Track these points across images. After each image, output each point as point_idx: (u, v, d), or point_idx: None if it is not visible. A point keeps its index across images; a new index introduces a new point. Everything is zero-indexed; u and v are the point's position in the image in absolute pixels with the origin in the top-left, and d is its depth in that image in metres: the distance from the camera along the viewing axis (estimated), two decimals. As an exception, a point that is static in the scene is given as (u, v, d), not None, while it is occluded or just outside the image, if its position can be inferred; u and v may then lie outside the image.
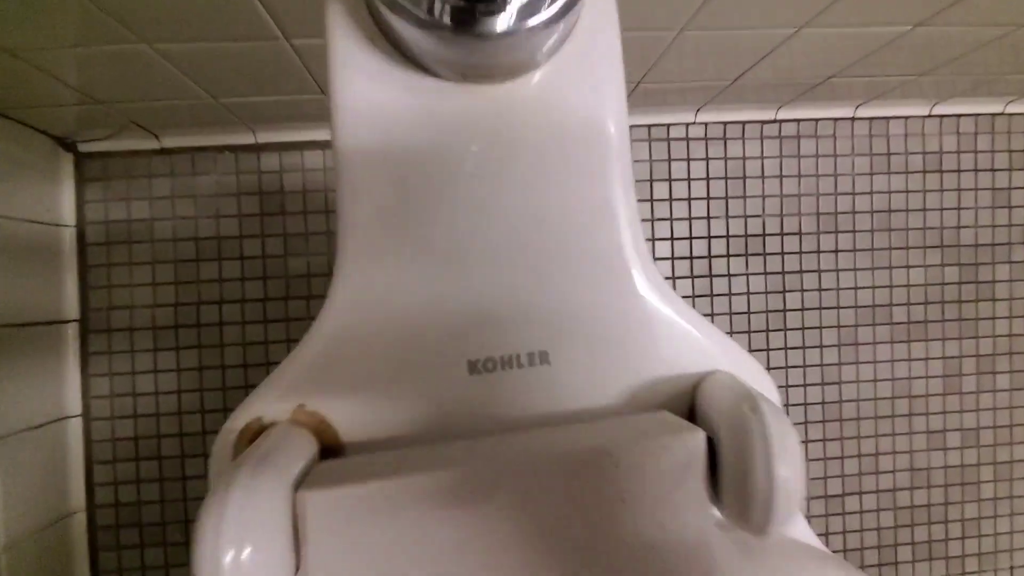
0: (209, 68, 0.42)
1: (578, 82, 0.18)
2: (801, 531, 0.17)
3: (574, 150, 0.17)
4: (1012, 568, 0.66)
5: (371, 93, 0.17)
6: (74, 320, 0.54)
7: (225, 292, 0.55)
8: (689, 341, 0.17)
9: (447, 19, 0.16)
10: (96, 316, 0.54)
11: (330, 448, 0.16)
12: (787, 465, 0.14)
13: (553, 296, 0.17)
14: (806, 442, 0.63)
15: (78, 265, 0.54)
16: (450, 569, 0.14)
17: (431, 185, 0.17)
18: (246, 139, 0.55)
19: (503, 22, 0.16)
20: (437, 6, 0.16)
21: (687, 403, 0.17)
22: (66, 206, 0.54)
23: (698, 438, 0.14)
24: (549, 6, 0.16)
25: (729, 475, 0.14)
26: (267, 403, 0.16)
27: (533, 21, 0.16)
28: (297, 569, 0.14)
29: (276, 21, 0.37)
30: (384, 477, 0.15)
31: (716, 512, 0.15)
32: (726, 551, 0.14)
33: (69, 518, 0.53)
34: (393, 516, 0.13)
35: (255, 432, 0.16)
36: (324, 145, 0.56)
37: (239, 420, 0.16)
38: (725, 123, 0.61)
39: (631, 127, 0.60)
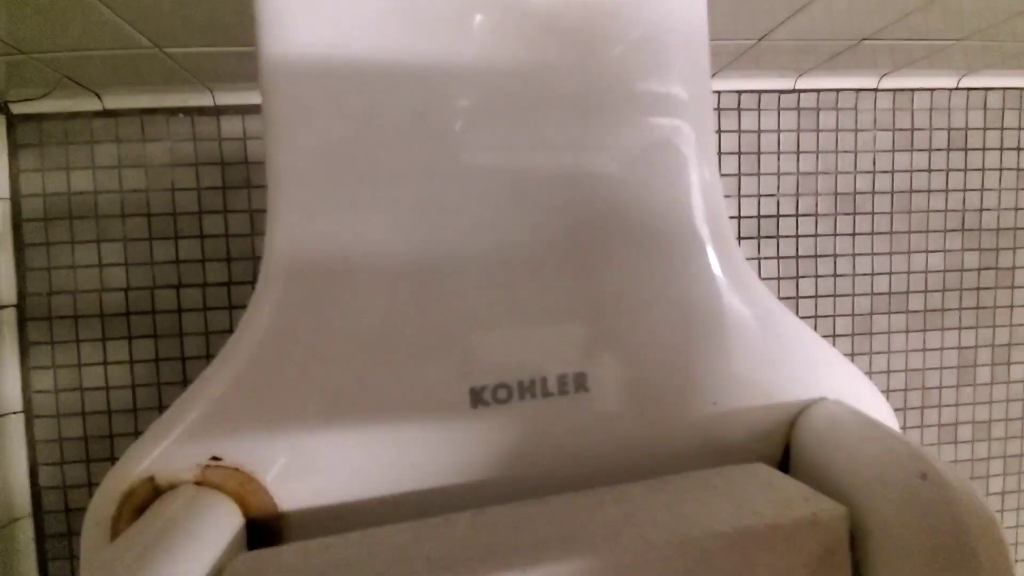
0: (147, 7, 0.35)
1: None
2: None
3: (637, 66, 0.12)
4: (1018, 562, 0.65)
5: None
6: (10, 306, 0.48)
7: (183, 275, 0.49)
8: (785, 350, 0.12)
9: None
10: (35, 301, 0.48)
11: (260, 522, 0.11)
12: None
13: (596, 287, 0.12)
14: (815, 436, 0.60)
15: (13, 243, 0.47)
16: None
17: (405, 112, 0.12)
18: (203, 100, 0.49)
19: None
20: None
21: (782, 441, 0.12)
22: (-4, 175, 0.47)
23: (838, 518, 0.10)
24: None
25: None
26: (165, 453, 0.11)
27: None
28: None
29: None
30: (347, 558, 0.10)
31: None
32: None
33: (13, 524, 0.47)
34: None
35: (144, 500, 0.11)
36: (294, 109, 0.50)
37: (121, 479, 0.11)
38: (740, 92, 0.56)
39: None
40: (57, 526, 0.49)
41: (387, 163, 0.13)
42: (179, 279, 0.49)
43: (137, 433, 0.49)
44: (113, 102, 0.48)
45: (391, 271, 0.13)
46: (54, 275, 0.48)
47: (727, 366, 0.12)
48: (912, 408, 0.61)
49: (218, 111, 0.49)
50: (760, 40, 0.45)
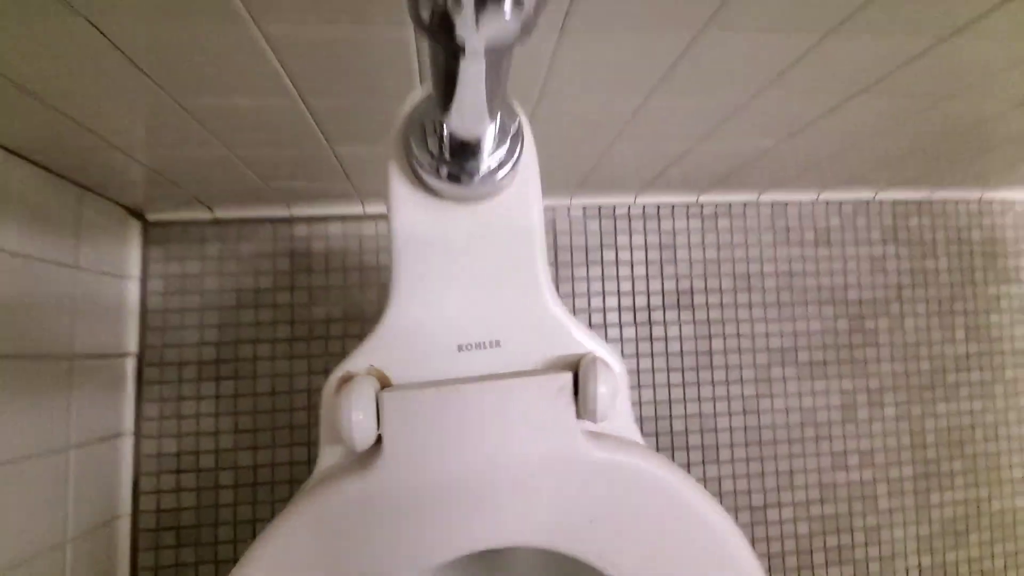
0: (270, 164, 0.57)
1: (520, 200, 0.33)
2: (626, 428, 0.32)
3: (517, 235, 0.32)
4: (908, 569, 0.79)
5: (410, 211, 0.32)
6: (133, 354, 0.66)
7: (259, 333, 0.68)
8: (576, 338, 0.31)
9: (449, 177, 0.31)
10: (152, 351, 0.67)
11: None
12: (603, 387, 0.28)
13: (505, 309, 0.32)
14: (731, 461, 0.77)
15: (140, 309, 0.67)
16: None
17: (442, 253, 0.32)
18: (283, 213, 0.70)
19: (477, 179, 0.31)
20: (443, 170, 0.31)
21: (575, 366, 0.31)
22: (133, 263, 0.67)
23: (568, 376, 0.29)
24: (498, 171, 0.31)
25: (580, 394, 0.29)
26: (353, 364, 0.30)
27: (490, 177, 0.31)
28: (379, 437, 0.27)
29: (325, 135, 0.52)
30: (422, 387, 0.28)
31: (575, 414, 0.29)
32: (581, 432, 0.29)
33: (117, 520, 0.63)
34: (430, 406, 0.27)
35: (344, 380, 0.29)
36: (343, 219, 0.71)
37: (337, 374, 0.30)
38: (658, 204, 0.78)
39: (584, 207, 0.77)
40: (148, 523, 0.64)
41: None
42: (256, 336, 0.68)
43: (217, 450, 0.66)
44: (221, 213, 0.69)
45: (433, 314, 0.33)
46: (167, 333, 0.67)
47: (560, 341, 0.32)
48: (808, 439, 0.78)
49: (291, 220, 0.70)
50: (659, 175, 0.68)
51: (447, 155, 0.30)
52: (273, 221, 0.70)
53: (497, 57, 0.21)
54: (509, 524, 0.29)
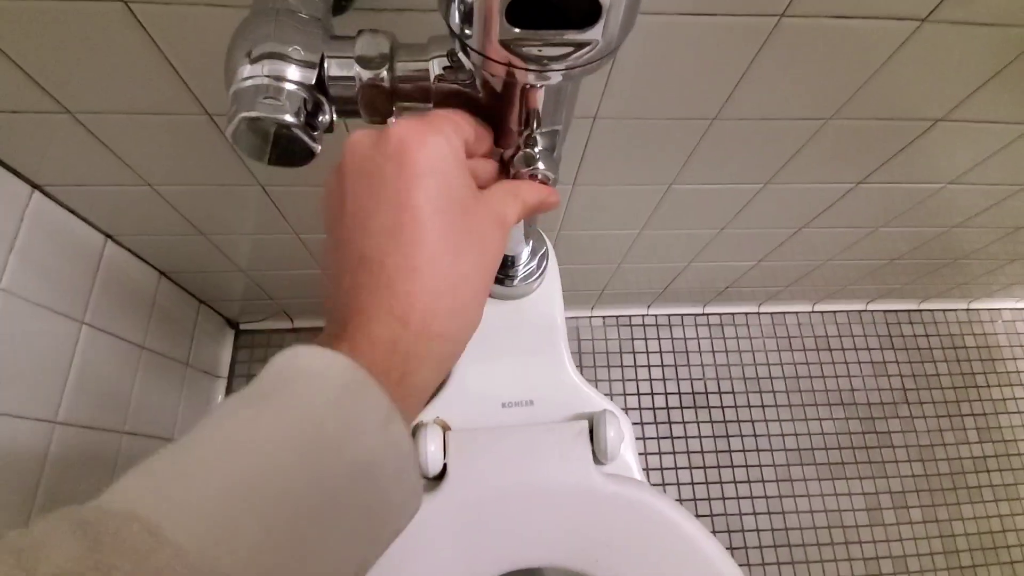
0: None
1: (547, 299, 0.45)
2: (635, 474, 0.40)
3: (545, 323, 0.44)
4: None
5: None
6: (214, 444, 0.76)
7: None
8: (592, 399, 0.41)
9: (496, 281, 0.43)
10: (229, 442, 0.77)
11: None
12: (612, 431, 0.37)
13: (537, 377, 0.42)
14: (762, 564, 0.77)
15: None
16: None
17: (490, 337, 0.43)
18: (348, 323, 0.84)
19: (516, 282, 0.43)
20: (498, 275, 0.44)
21: (591, 418, 0.40)
22: (223, 365, 0.80)
23: (585, 423, 0.38)
24: (530, 277, 0.43)
25: (595, 438, 0.37)
26: (424, 416, 0.40)
27: (524, 282, 0.43)
28: (443, 471, 0.36)
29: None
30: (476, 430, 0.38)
31: (591, 456, 0.37)
32: (595, 469, 0.37)
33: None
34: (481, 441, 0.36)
35: (417, 426, 0.39)
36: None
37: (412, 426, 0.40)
38: (669, 315, 0.89)
39: (604, 317, 0.88)
40: None
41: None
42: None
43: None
44: (300, 323, 0.83)
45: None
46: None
47: (578, 402, 0.41)
48: (837, 543, 0.79)
49: (355, 328, 0.84)
50: (664, 290, 0.80)
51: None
52: (340, 330, 0.84)
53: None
54: (547, 544, 0.36)
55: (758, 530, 0.79)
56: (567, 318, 0.84)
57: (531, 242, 0.43)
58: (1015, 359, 0.92)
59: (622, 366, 0.86)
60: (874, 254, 0.72)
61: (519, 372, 0.43)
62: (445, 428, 0.40)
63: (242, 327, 0.83)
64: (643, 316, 0.89)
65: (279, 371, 0.17)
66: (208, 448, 0.15)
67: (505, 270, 0.43)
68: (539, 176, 0.25)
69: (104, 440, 0.56)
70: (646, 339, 0.88)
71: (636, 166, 0.49)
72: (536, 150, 0.26)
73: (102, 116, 0.40)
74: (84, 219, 0.53)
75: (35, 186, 0.48)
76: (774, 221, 0.61)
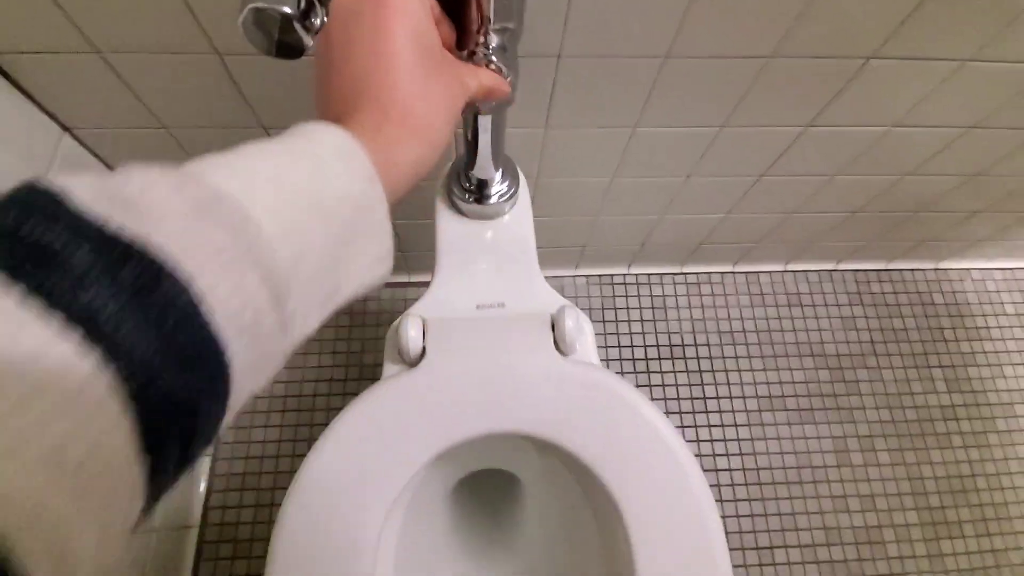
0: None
1: (519, 220, 0.51)
2: (591, 357, 0.45)
3: (516, 240, 0.49)
4: (932, 626, 0.78)
5: (449, 225, 0.50)
6: (221, 390, 0.82)
7: (320, 375, 0.83)
8: (557, 301, 0.46)
9: (473, 201, 0.49)
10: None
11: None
12: (570, 321, 0.42)
13: (508, 284, 0.47)
14: (733, 501, 0.82)
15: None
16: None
17: (467, 250, 0.48)
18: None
19: (490, 202, 0.48)
20: (469, 198, 0.49)
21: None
22: None
23: (548, 316, 0.43)
24: (503, 198, 0.48)
25: (556, 328, 0.43)
26: (407, 315, 0.45)
27: (500, 202, 0.48)
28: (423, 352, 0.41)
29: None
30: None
31: (552, 343, 0.42)
32: (557, 356, 0.42)
33: (187, 529, 0.73)
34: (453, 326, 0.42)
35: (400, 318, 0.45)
36: (392, 285, 0.90)
37: (397, 322, 0.45)
38: (649, 273, 0.94)
39: (587, 276, 0.94)
40: (212, 535, 0.74)
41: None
42: (317, 376, 0.83)
43: (276, 471, 0.78)
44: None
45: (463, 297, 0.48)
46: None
47: (544, 301, 0.46)
48: (806, 482, 0.84)
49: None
50: (642, 247, 0.85)
51: (472, 188, 0.48)
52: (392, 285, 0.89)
53: (497, 125, 0.40)
54: (512, 413, 0.41)
55: (730, 470, 0.84)
56: (551, 277, 0.89)
57: (502, 169, 0.49)
58: (984, 315, 0.97)
59: (603, 321, 0.91)
60: (835, 206, 0.77)
61: (493, 279, 0.48)
62: (426, 327, 0.45)
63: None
64: (624, 275, 0.94)
65: (299, 130, 0.21)
66: (263, 164, 0.18)
67: (481, 192, 0.48)
68: (492, 65, 0.31)
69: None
70: (627, 296, 0.93)
71: (602, 107, 0.54)
72: (491, 47, 0.31)
73: (127, 56, 0.46)
74: (106, 164, 0.58)
75: (65, 128, 0.53)
76: (735, 168, 0.66)
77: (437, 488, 0.57)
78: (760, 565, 0.79)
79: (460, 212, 0.50)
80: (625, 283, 0.94)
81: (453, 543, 0.59)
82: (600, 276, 0.94)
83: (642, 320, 0.92)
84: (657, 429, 0.42)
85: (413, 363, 0.43)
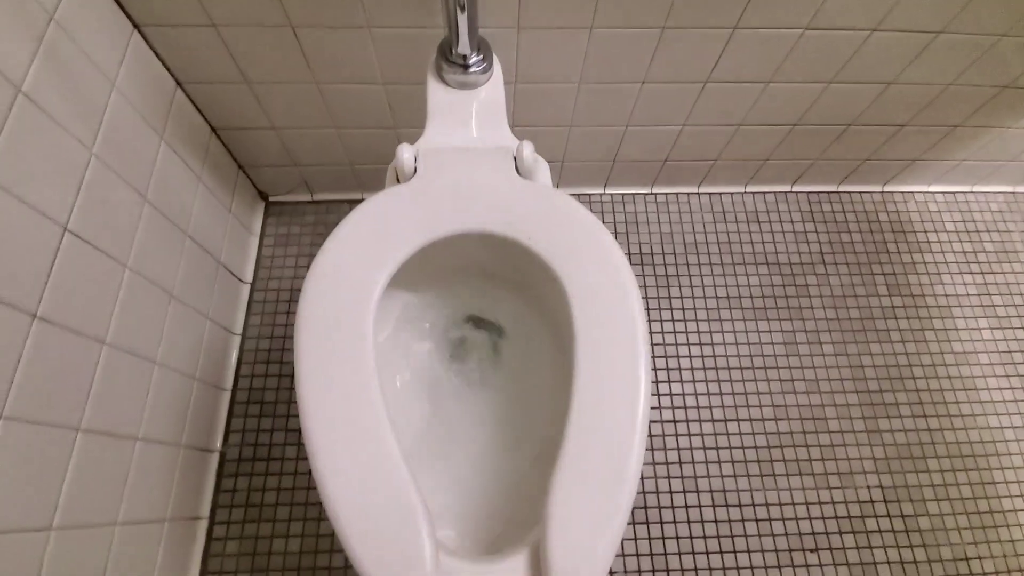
0: (359, 147, 0.91)
1: (493, 87, 0.63)
2: (546, 181, 0.57)
3: (491, 103, 0.62)
4: (869, 487, 0.89)
5: (437, 93, 0.63)
6: (248, 282, 0.95)
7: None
8: (516, 141, 0.59)
9: (457, 70, 0.62)
10: (260, 281, 0.96)
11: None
12: (527, 150, 0.55)
13: (483, 133, 0.60)
14: (692, 381, 0.93)
15: (257, 253, 0.97)
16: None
17: (451, 112, 0.61)
18: (358, 196, 1.03)
19: (470, 71, 0.61)
20: (454, 68, 0.62)
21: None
22: (257, 225, 1.00)
23: (511, 147, 0.56)
24: (480, 70, 0.61)
25: (516, 156, 0.55)
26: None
27: (477, 72, 0.61)
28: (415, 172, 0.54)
29: (393, 118, 0.86)
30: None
31: (514, 167, 0.55)
32: (520, 179, 0.55)
33: (222, 391, 0.86)
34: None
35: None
36: (397, 201, 1.03)
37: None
38: (623, 193, 1.07)
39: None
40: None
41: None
42: (331, 272, 0.96)
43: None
44: (318, 196, 1.03)
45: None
46: (273, 270, 0.96)
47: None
48: (757, 367, 0.95)
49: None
50: (614, 161, 0.98)
51: (456, 62, 0.62)
52: (351, 202, 1.03)
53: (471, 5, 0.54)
54: (480, 216, 0.54)
55: (691, 357, 0.95)
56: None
57: (479, 48, 0.62)
58: (925, 232, 1.08)
59: (582, 234, 1.03)
60: (775, 116, 0.89)
61: (472, 132, 0.61)
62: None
63: (271, 199, 1.03)
64: (600, 194, 1.07)
65: None
66: None
67: (463, 64, 0.61)
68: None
69: (174, 237, 0.75)
70: (602, 213, 1.05)
71: (563, 9, 0.67)
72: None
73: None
74: (163, 62, 0.72)
75: (135, 25, 0.68)
76: (681, 73, 0.78)
77: (428, 332, 0.70)
78: (715, 434, 0.90)
79: (446, 82, 0.63)
80: (601, 201, 1.06)
81: (434, 378, 0.71)
82: (579, 195, 1.06)
83: (615, 233, 1.04)
84: (591, 226, 0.55)
85: (406, 179, 0.56)
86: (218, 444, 0.84)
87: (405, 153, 0.55)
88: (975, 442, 0.93)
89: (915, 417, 0.94)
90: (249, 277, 0.96)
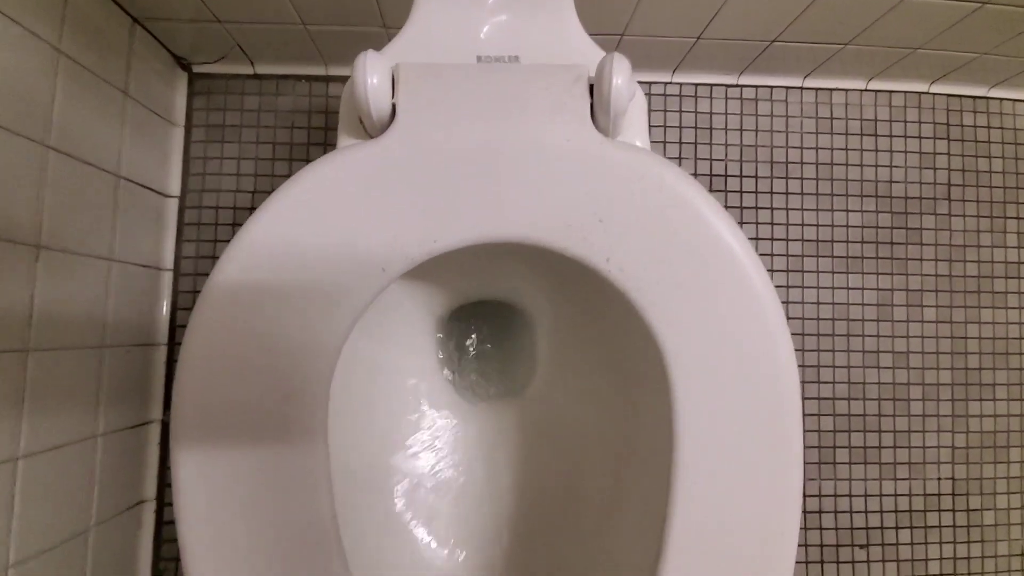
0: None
1: None
2: (641, 142, 0.32)
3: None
4: (940, 479, 0.76)
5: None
6: (175, 196, 0.69)
7: (292, 183, 0.70)
8: (594, 51, 0.31)
9: None
10: (192, 195, 0.69)
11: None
12: (621, 75, 0.27)
13: (527, 28, 0.32)
14: (756, 349, 0.75)
15: (183, 154, 0.70)
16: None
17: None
18: (319, 71, 0.72)
19: None
20: None
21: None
22: (179, 111, 0.70)
23: (586, 67, 0.29)
24: None
25: (596, 87, 0.28)
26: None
27: None
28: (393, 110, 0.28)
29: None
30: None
31: (589, 110, 0.29)
32: (595, 132, 0.28)
33: (154, 348, 0.66)
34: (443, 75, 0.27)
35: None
36: (378, 79, 0.72)
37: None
38: (696, 84, 0.76)
39: (620, 81, 0.75)
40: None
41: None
42: (289, 186, 0.70)
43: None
44: (261, 69, 0.71)
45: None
46: (207, 178, 0.69)
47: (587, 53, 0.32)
48: (839, 335, 0.76)
49: (328, 79, 0.72)
50: (697, 39, 0.66)
51: None
52: (310, 79, 0.72)
53: None
54: (514, 212, 0.29)
55: (759, 318, 0.75)
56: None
57: None
58: (1084, 162, 0.81)
59: (634, 141, 0.75)
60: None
61: (502, 20, 0.32)
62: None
63: (195, 70, 0.71)
64: (665, 84, 0.76)
65: None
66: None
67: None
68: None
69: (25, 150, 0.47)
70: (666, 111, 0.76)
71: None
72: None
73: None
74: None
75: None
76: None
77: (414, 319, 0.47)
78: (773, 414, 0.74)
79: None
80: (665, 94, 0.76)
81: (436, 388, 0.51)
82: (637, 83, 0.75)
83: (680, 142, 0.76)
84: (729, 249, 0.30)
85: (377, 129, 0.29)
86: (157, 414, 0.67)
87: (372, 76, 0.27)
88: (1071, 430, 0.78)
89: (1010, 401, 0.78)
90: (175, 189, 0.69)
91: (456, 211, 0.28)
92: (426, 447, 0.44)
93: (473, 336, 0.51)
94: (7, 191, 0.45)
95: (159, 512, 0.66)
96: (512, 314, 0.51)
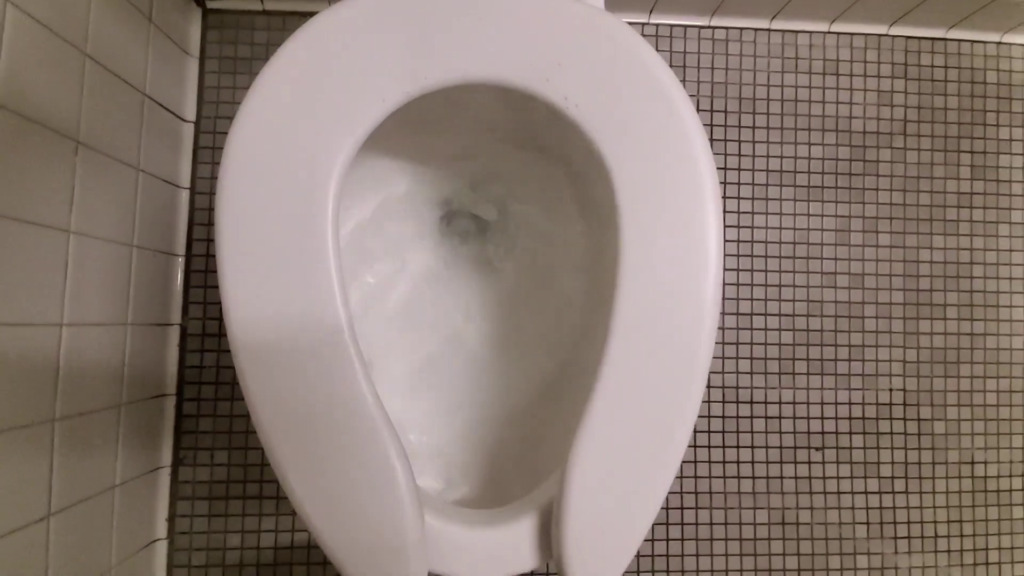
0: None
1: None
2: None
3: None
4: (892, 390, 0.83)
5: None
6: (191, 121, 0.76)
7: (298, 110, 0.77)
8: None
9: None
10: (206, 121, 0.76)
11: None
12: None
13: None
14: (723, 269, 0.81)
15: (198, 82, 0.76)
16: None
17: None
18: (324, 8, 0.78)
19: None
20: None
21: None
22: (193, 44, 0.77)
23: None
24: None
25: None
26: None
27: None
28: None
29: None
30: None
31: None
32: (565, 3, 0.35)
33: (175, 259, 0.73)
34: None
35: None
36: (377, 17, 0.79)
37: None
38: (671, 24, 0.82)
39: (599, 21, 0.81)
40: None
41: None
42: (295, 114, 0.76)
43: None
44: (270, 6, 0.77)
45: None
46: (220, 107, 0.76)
47: None
48: (799, 257, 0.82)
49: (330, 15, 0.78)
50: (668, -26, 0.72)
51: None
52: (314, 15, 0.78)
53: None
54: (495, 56, 0.35)
55: (724, 240, 0.82)
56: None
57: None
58: (1034, 102, 0.87)
59: (613, 78, 0.81)
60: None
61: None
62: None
63: (209, 5, 0.77)
64: (643, 25, 0.82)
65: None
66: None
67: None
68: None
69: (65, 52, 0.54)
70: (642, 50, 0.82)
71: None
72: None
73: None
74: None
75: None
76: None
77: (407, 202, 0.54)
78: (737, 329, 0.81)
79: None
80: (643, 35, 0.82)
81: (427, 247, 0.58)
82: (614, 24, 0.81)
83: (655, 79, 0.82)
84: (669, 95, 0.36)
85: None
86: (176, 318, 0.74)
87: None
88: (1016, 349, 0.85)
89: (960, 320, 0.85)
90: (191, 115, 0.76)
91: (443, 52, 0.35)
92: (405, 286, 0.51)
93: (464, 225, 0.59)
94: (50, 87, 0.52)
95: (179, 406, 0.73)
96: (498, 227, 0.58)
